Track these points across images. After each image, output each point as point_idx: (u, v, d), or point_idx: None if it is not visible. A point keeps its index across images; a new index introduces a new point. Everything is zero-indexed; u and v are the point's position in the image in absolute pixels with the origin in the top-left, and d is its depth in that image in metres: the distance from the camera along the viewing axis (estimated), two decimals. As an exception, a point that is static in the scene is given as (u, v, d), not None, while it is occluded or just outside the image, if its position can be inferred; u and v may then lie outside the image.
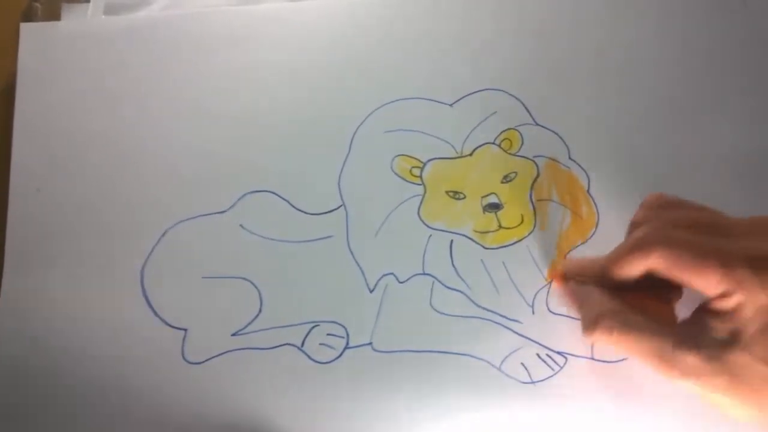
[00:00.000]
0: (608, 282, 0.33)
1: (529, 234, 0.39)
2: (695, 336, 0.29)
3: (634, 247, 0.30)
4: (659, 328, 0.30)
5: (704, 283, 0.28)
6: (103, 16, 0.44)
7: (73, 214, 0.40)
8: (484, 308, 0.37)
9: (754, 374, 0.27)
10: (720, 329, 0.28)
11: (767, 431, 0.30)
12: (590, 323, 0.32)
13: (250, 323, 0.38)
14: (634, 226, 0.33)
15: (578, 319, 0.37)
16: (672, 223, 0.30)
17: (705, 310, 0.29)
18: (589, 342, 0.33)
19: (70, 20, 0.44)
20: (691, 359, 0.28)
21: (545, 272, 0.38)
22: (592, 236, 0.38)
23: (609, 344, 0.31)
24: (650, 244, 0.30)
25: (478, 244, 0.38)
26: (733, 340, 0.28)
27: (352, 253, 0.38)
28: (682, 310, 0.32)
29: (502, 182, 0.39)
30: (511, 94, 0.41)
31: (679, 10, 0.43)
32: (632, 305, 0.32)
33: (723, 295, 0.28)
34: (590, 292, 0.33)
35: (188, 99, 0.42)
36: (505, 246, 0.38)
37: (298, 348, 0.37)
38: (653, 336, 0.30)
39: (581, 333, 0.33)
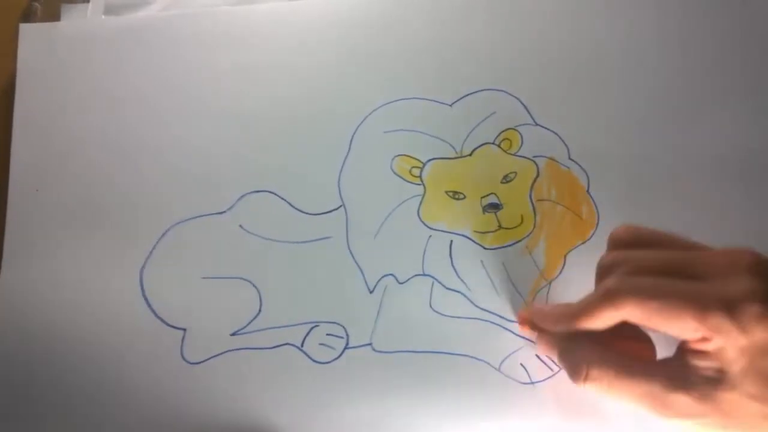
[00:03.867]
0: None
1: (528, 234, 0.39)
2: (683, 376, 0.28)
3: (604, 299, 0.29)
4: (647, 370, 0.29)
5: (681, 331, 0.28)
6: (103, 17, 0.44)
7: (72, 214, 0.40)
8: (483, 309, 0.37)
9: (746, 410, 0.27)
10: (706, 369, 0.28)
11: None
12: (579, 374, 0.31)
13: (249, 323, 0.38)
14: (602, 269, 0.31)
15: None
16: (641, 268, 0.29)
17: (687, 350, 0.28)
18: (579, 386, 0.31)
19: (70, 20, 0.44)
20: (684, 400, 0.28)
21: (545, 273, 0.38)
22: (592, 236, 0.38)
23: (600, 392, 0.30)
24: (621, 297, 0.28)
25: (477, 244, 0.38)
26: (720, 380, 0.27)
27: (351, 253, 0.38)
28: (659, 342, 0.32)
29: (501, 182, 0.39)
30: (510, 94, 0.41)
31: (679, 9, 0.43)
32: (613, 348, 0.31)
33: (702, 339, 0.27)
34: (569, 340, 0.32)
35: (187, 99, 0.42)
36: (504, 246, 0.38)
37: (298, 348, 0.37)
38: (643, 379, 0.29)
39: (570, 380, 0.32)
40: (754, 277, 0.27)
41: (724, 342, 0.27)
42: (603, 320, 0.30)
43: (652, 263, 0.29)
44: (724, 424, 0.28)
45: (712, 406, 0.28)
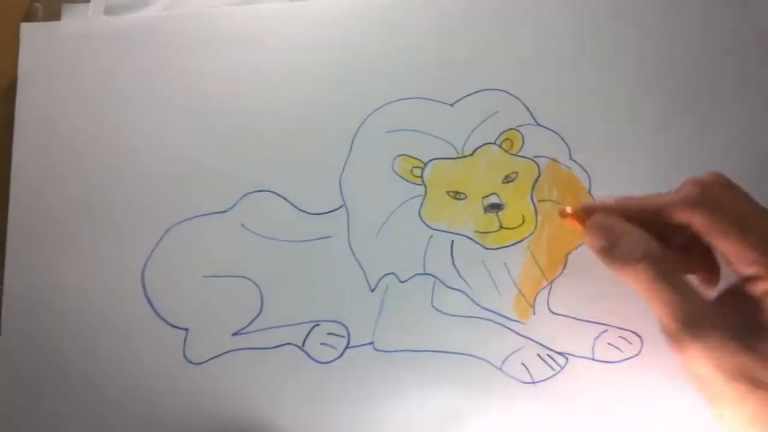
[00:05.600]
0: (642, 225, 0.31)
1: (530, 234, 0.39)
2: (722, 315, 0.28)
3: (684, 197, 0.30)
4: (692, 293, 0.29)
5: (738, 255, 0.28)
6: (104, 16, 0.44)
7: (74, 214, 0.40)
8: (485, 308, 0.37)
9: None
10: (746, 314, 0.28)
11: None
12: (635, 256, 0.30)
13: (250, 323, 0.38)
14: (689, 182, 0.31)
15: (579, 320, 0.37)
16: (727, 194, 0.30)
17: (733, 293, 0.29)
18: (618, 276, 0.31)
19: (71, 20, 0.44)
20: (711, 335, 0.27)
21: (546, 273, 0.38)
22: (592, 236, 0.38)
23: (638, 286, 0.30)
24: (701, 199, 0.30)
25: (478, 244, 0.38)
26: (759, 327, 0.27)
27: (353, 252, 0.38)
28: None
29: (503, 182, 0.39)
30: (512, 94, 0.41)
31: (680, 9, 0.43)
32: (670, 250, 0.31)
33: (754, 278, 0.28)
34: (631, 228, 0.31)
35: (189, 99, 0.42)
36: (505, 246, 0.38)
37: (299, 348, 0.37)
38: (685, 299, 0.28)
39: (610, 264, 0.31)
40: None
41: None
42: (675, 214, 0.30)
43: (736, 197, 0.30)
44: (737, 375, 0.27)
45: (737, 347, 0.27)
